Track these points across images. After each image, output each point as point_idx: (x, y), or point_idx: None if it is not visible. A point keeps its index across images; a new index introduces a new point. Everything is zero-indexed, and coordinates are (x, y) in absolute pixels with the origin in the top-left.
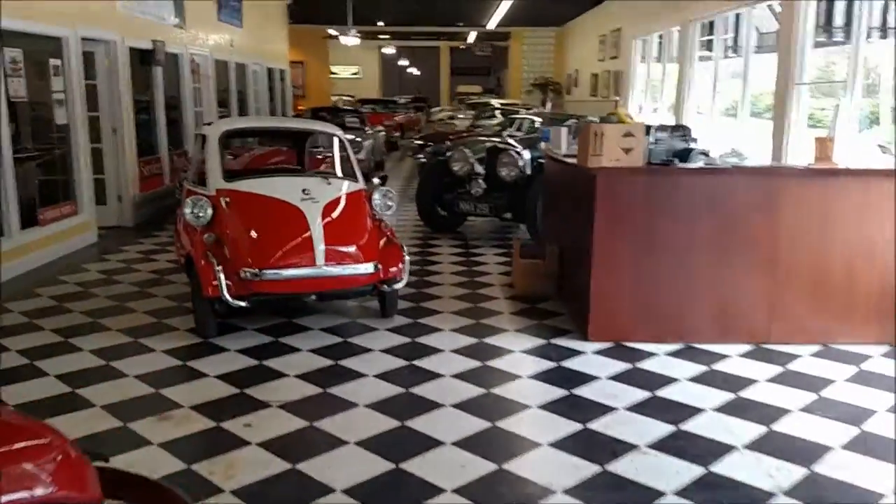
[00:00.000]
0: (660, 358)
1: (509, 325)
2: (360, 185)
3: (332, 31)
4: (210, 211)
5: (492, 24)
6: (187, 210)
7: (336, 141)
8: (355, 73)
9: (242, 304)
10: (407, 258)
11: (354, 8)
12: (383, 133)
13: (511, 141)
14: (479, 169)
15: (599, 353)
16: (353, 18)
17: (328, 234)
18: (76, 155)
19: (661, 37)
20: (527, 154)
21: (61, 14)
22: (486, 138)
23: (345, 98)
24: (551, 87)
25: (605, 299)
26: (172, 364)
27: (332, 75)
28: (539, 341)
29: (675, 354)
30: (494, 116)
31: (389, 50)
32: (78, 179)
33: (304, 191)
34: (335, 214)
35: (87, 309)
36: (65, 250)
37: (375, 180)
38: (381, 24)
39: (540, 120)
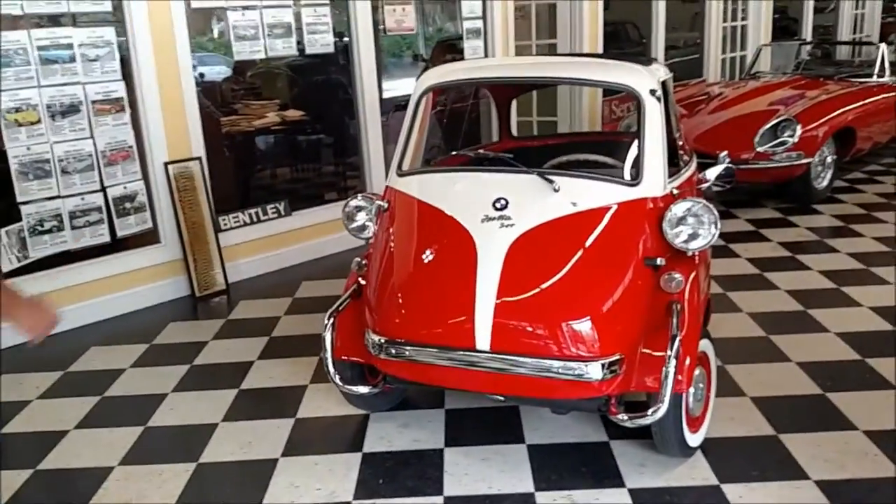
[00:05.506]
0: None
1: None
2: (652, 189)
3: None
4: (373, 219)
5: None
6: (345, 210)
7: (644, 107)
8: None
9: (362, 389)
10: (689, 364)
11: None
12: None
13: None
14: None
15: None
16: None
17: (511, 293)
18: None
19: None
20: None
21: None
22: None
23: None
24: None
25: None
26: None
27: None
28: None
29: None
30: None
31: None
32: None
33: (496, 203)
34: (541, 254)
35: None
36: None
37: (709, 173)
38: None
39: None
